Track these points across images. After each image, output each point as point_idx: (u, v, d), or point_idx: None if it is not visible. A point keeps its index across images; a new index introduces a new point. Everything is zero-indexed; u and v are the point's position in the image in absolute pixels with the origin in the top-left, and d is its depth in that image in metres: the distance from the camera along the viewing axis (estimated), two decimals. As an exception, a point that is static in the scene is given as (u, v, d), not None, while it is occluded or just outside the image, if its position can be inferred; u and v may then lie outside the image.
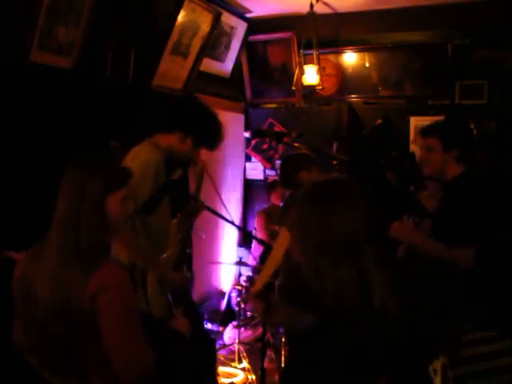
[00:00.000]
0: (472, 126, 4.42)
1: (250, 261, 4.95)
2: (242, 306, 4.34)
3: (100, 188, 1.58)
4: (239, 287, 4.51)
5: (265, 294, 1.48)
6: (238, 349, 4.10)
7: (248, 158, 5.54)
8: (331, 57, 5.31)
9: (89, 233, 1.56)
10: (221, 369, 3.90)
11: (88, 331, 1.52)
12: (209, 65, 4.70)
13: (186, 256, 2.73)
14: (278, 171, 3.57)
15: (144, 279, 2.37)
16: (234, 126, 5.21)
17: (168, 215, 2.59)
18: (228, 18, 4.64)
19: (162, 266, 2.42)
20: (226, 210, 2.82)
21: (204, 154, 2.82)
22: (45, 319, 1.56)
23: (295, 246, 1.41)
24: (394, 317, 1.21)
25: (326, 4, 4.63)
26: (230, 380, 3.83)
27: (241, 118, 5.48)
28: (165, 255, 2.46)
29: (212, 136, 2.59)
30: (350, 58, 5.35)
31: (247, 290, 4.39)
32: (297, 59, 4.98)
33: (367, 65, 5.26)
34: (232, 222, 2.57)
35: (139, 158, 2.40)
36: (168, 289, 2.40)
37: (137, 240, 2.39)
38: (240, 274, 5.14)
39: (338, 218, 1.30)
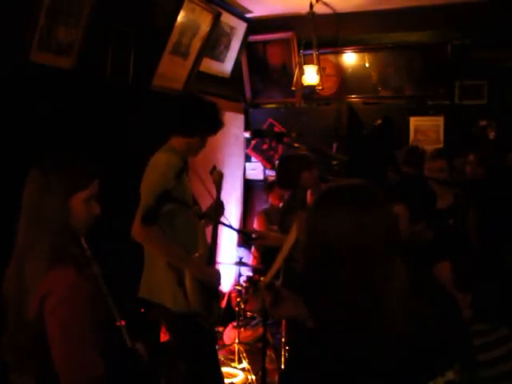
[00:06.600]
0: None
1: (250, 261, 4.95)
2: (242, 306, 4.34)
3: (61, 189, 1.54)
4: (239, 287, 4.51)
5: (274, 287, 1.47)
6: (238, 349, 4.10)
7: (248, 158, 5.54)
8: (331, 57, 5.31)
9: (49, 234, 1.52)
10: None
11: (41, 334, 1.47)
12: (209, 65, 4.70)
13: (216, 255, 2.78)
14: (276, 172, 3.56)
15: (181, 278, 2.43)
16: (233, 126, 5.21)
17: (193, 216, 2.63)
18: (228, 18, 4.64)
19: (197, 264, 2.48)
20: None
21: (204, 154, 2.82)
22: (10, 320, 1.55)
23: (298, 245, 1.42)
24: (389, 328, 1.22)
25: (325, 4, 4.63)
26: (230, 380, 3.82)
27: (241, 118, 5.48)
28: (196, 254, 2.51)
29: (214, 124, 2.65)
30: (350, 58, 5.34)
31: (254, 285, 4.38)
32: (296, 59, 4.98)
33: (367, 65, 5.26)
34: (230, 226, 2.60)
35: (158, 166, 2.49)
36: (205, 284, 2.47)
37: (168, 241, 2.47)
38: (240, 274, 5.14)
39: (338, 219, 1.31)
